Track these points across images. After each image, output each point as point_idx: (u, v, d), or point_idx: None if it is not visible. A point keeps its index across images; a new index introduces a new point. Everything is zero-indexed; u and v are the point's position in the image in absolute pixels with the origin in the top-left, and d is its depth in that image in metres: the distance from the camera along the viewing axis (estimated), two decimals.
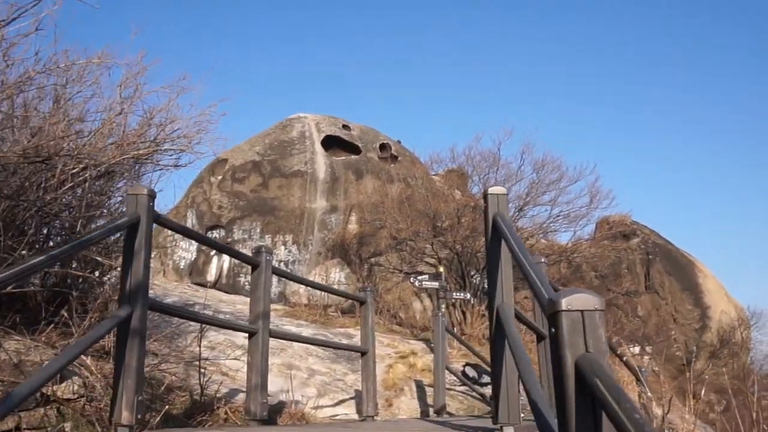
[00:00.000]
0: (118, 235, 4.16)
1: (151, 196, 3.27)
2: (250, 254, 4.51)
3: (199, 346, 4.78)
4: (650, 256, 18.99)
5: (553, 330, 1.73)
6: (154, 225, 3.37)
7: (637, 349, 17.11)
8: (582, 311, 1.69)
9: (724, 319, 18.22)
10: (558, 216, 14.48)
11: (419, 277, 9.73)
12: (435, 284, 9.50)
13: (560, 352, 1.69)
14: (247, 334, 4.30)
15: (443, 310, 9.12)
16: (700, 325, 18.16)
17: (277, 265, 16.58)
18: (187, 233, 3.65)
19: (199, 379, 4.68)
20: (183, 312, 3.56)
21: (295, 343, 8.99)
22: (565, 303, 1.70)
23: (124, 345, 3.03)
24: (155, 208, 3.37)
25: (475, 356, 8.61)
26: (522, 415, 3.21)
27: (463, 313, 14.41)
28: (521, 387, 2.74)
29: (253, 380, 4.13)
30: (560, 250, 15.83)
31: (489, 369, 9.08)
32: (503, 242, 3.35)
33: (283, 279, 15.12)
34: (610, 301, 16.65)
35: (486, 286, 15.21)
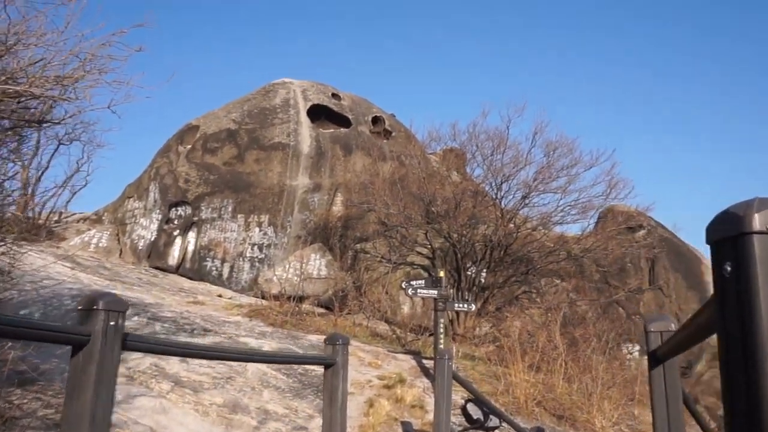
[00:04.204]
0: None
1: None
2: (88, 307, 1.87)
3: None
4: (656, 251, 16.74)
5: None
6: None
7: (637, 348, 15.23)
8: None
9: None
10: (568, 205, 11.98)
11: (413, 283, 7.24)
12: (433, 293, 7.02)
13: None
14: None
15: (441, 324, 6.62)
16: None
17: (250, 250, 13.87)
18: None
19: None
20: None
21: (249, 368, 6.51)
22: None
23: None
24: None
25: (476, 396, 6.20)
26: None
27: (456, 313, 12.03)
28: None
29: None
30: (560, 241, 13.45)
31: (495, 406, 6.68)
32: None
33: (257, 264, 12.61)
34: (614, 299, 14.43)
35: (482, 280, 12.83)
